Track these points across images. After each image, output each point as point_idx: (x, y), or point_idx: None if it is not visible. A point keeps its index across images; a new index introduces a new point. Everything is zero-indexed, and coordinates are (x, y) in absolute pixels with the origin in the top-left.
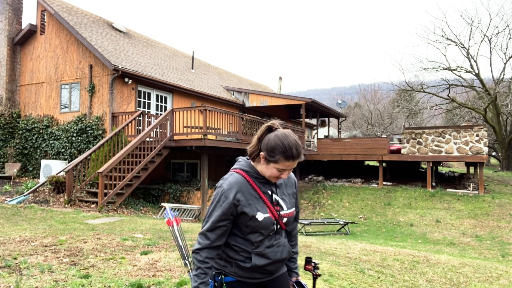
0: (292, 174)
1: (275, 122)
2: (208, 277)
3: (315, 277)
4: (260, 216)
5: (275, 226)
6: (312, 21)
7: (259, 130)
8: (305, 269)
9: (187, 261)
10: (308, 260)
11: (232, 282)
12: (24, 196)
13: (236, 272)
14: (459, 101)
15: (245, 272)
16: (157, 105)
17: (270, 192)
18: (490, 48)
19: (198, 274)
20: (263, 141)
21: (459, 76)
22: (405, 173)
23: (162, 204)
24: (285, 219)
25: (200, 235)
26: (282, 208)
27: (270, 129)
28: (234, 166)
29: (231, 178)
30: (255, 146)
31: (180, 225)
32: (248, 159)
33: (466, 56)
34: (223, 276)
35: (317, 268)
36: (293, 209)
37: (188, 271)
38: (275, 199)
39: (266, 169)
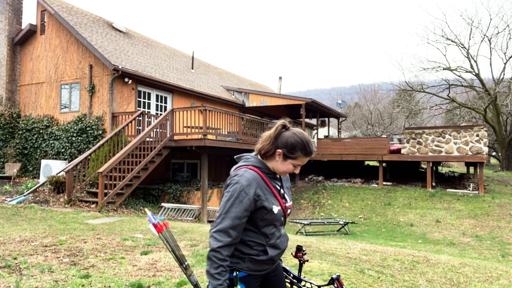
0: None
1: (286, 121)
2: (228, 274)
3: (302, 263)
4: (275, 209)
5: (282, 218)
6: (312, 21)
7: (273, 129)
8: (296, 256)
9: (186, 265)
10: (299, 248)
11: (245, 277)
12: (24, 196)
13: (248, 267)
14: (459, 101)
15: (257, 265)
16: (157, 105)
17: (278, 187)
18: (490, 48)
19: (220, 272)
20: (279, 138)
21: (459, 76)
22: (405, 173)
23: (162, 204)
24: (288, 211)
25: (219, 233)
26: (286, 201)
27: (284, 127)
28: (245, 163)
29: (247, 174)
30: (271, 143)
31: (169, 229)
32: (255, 156)
33: (466, 56)
34: (237, 273)
35: (305, 254)
36: (292, 201)
37: (190, 275)
38: (282, 192)
39: (281, 165)
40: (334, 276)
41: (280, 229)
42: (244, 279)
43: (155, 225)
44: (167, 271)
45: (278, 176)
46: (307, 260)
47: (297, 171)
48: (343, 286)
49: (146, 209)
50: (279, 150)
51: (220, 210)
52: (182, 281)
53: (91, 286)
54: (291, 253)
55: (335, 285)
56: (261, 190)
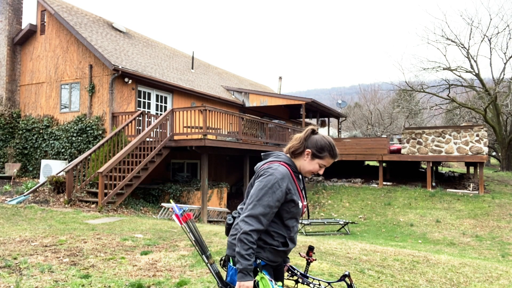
0: None
1: (315, 126)
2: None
3: (310, 262)
4: (300, 204)
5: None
6: (312, 21)
7: (303, 132)
8: (308, 255)
9: (208, 254)
10: (311, 248)
11: (264, 266)
12: (24, 196)
13: (267, 257)
14: (459, 101)
15: (274, 256)
16: (157, 105)
17: (301, 186)
18: (490, 48)
19: (250, 254)
20: (309, 140)
21: (459, 76)
22: (405, 173)
23: (162, 204)
24: (305, 209)
25: (251, 218)
26: (305, 200)
27: (313, 131)
28: (277, 159)
29: (281, 169)
30: (301, 143)
31: (192, 219)
32: (285, 154)
33: (466, 56)
34: (260, 261)
35: (314, 253)
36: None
37: (212, 263)
38: (303, 192)
39: (308, 164)
40: (346, 273)
41: (298, 225)
42: (263, 267)
43: (178, 216)
44: (167, 271)
45: (300, 177)
46: (315, 259)
47: (321, 171)
48: (353, 283)
49: (171, 200)
50: (308, 150)
51: (252, 198)
52: (182, 281)
53: (91, 286)
54: (299, 253)
55: (348, 281)
56: (291, 184)
